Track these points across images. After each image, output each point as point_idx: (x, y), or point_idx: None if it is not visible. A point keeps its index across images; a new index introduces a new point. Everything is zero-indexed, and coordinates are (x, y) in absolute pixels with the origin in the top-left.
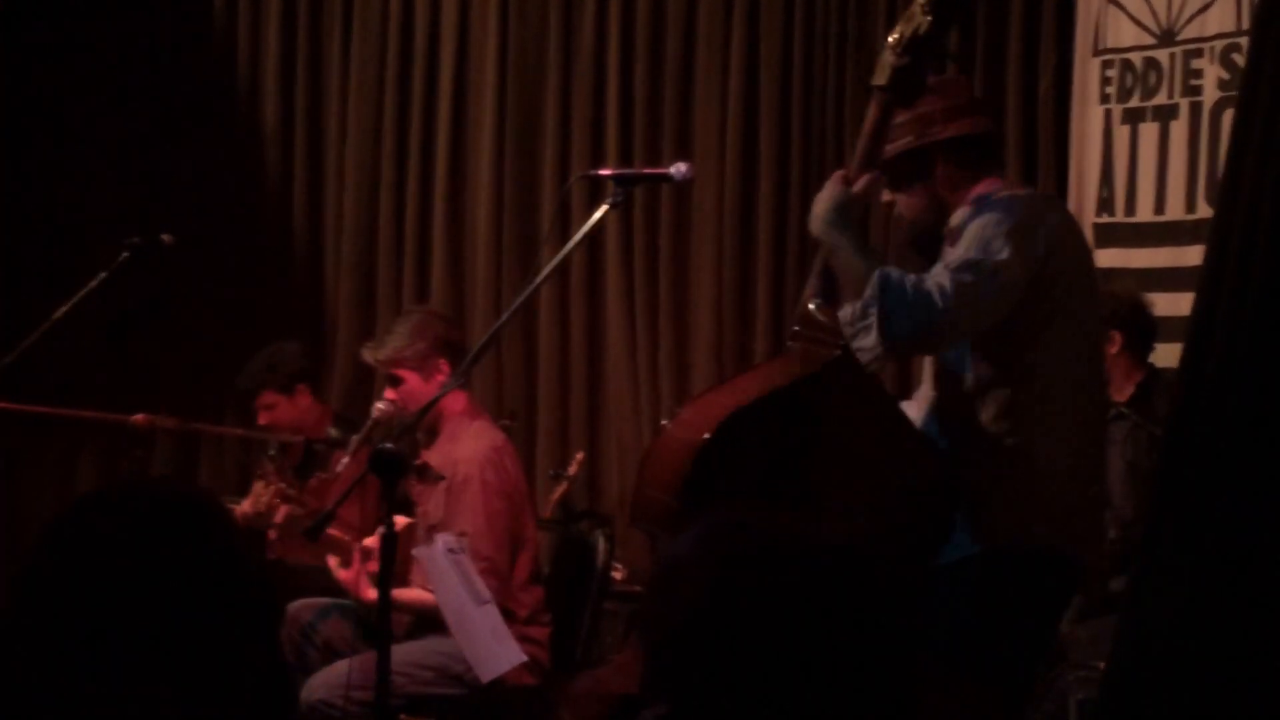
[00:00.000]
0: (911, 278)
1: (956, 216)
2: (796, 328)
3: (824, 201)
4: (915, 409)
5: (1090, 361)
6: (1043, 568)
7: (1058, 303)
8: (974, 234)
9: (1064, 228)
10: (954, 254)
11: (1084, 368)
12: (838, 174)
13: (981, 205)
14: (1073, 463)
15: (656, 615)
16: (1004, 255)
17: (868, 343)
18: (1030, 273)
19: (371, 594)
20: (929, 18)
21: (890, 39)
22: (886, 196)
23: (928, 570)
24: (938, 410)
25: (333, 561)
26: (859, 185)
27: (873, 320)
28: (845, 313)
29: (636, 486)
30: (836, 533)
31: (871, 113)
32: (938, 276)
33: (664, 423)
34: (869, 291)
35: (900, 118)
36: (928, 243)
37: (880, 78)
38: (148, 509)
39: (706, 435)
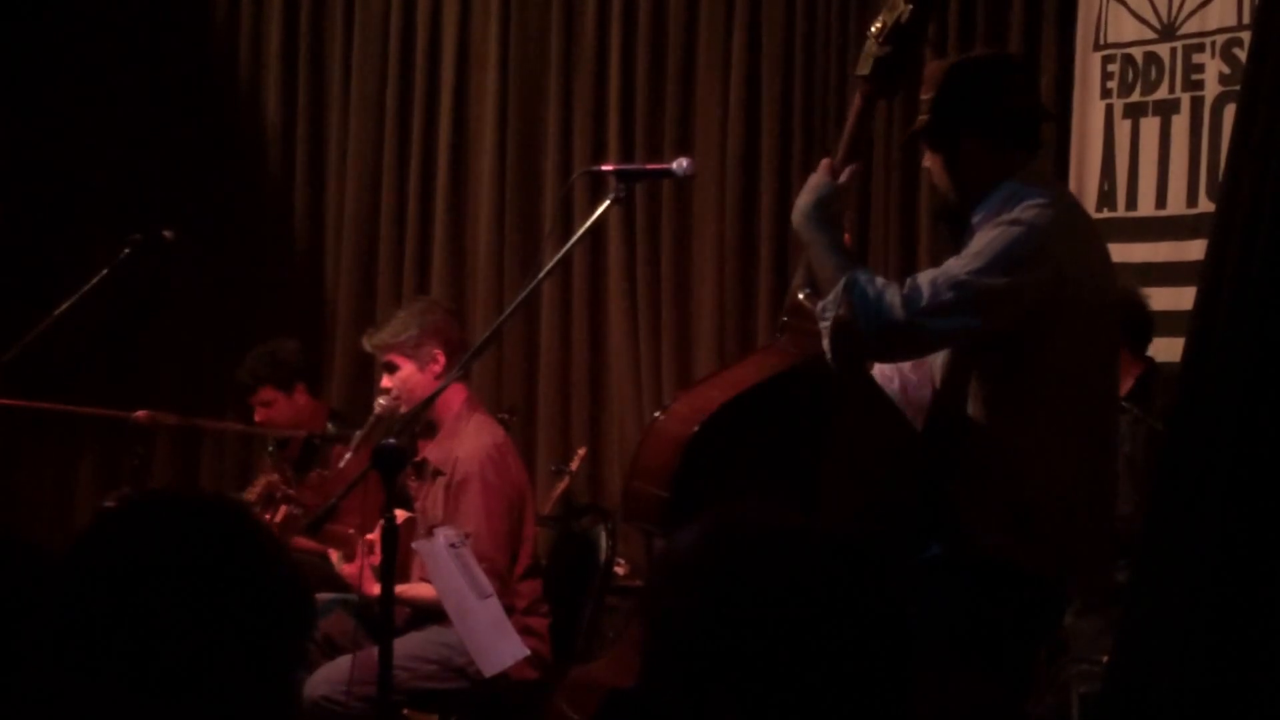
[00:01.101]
0: (879, 282)
1: (980, 209)
2: (785, 318)
3: (807, 193)
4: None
5: (1096, 382)
6: (1018, 588)
7: (1059, 330)
8: (978, 246)
9: (1081, 251)
10: (956, 259)
11: (1089, 390)
12: (825, 162)
13: (1004, 205)
14: (1064, 484)
15: (659, 610)
16: (996, 282)
17: (824, 344)
18: (1023, 303)
19: (375, 588)
20: (910, 6)
21: (873, 29)
22: (926, 161)
23: (912, 565)
24: (932, 417)
25: (335, 556)
26: (843, 177)
27: (828, 324)
28: (817, 307)
29: (627, 480)
30: (825, 522)
31: (855, 102)
32: (920, 282)
33: (656, 415)
34: (833, 295)
35: (929, 94)
36: (953, 219)
37: (863, 68)
38: (181, 520)
39: (695, 428)
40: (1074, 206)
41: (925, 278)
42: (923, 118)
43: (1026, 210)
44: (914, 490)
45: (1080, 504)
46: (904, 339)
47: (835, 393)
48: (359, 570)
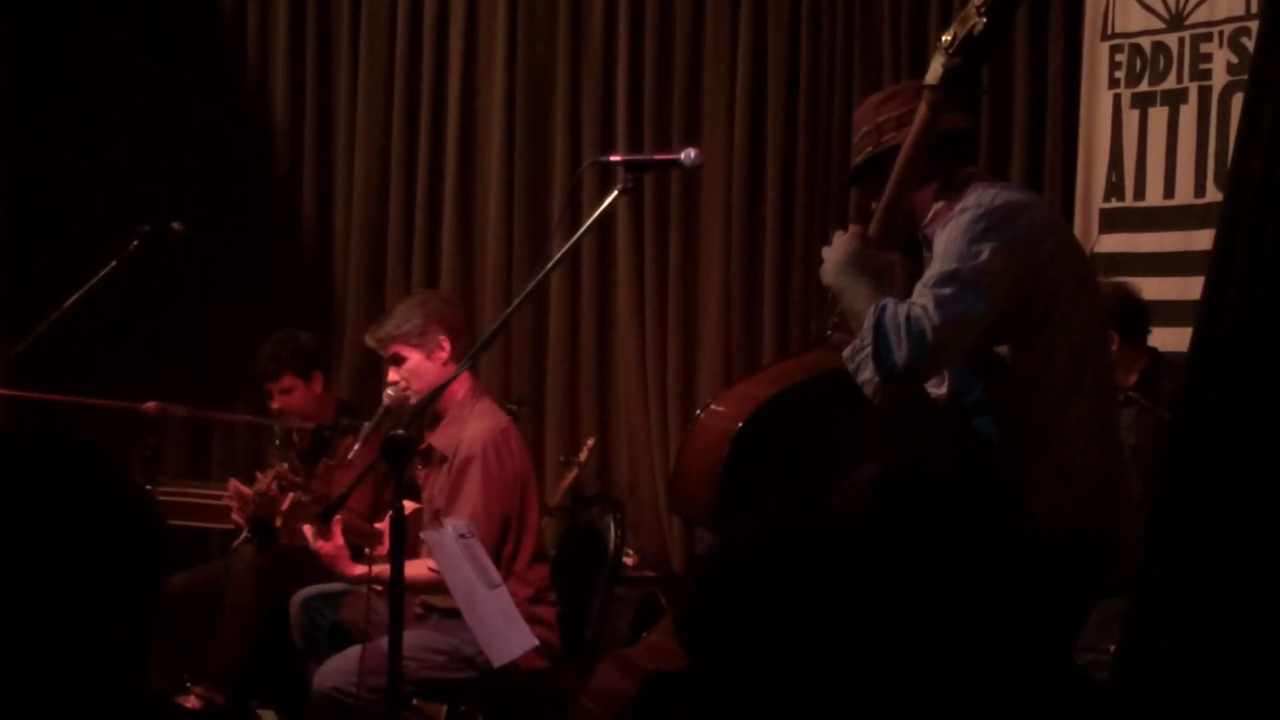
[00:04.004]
0: (904, 307)
1: (929, 217)
2: (835, 318)
3: (836, 253)
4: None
5: (1095, 346)
6: (1081, 548)
7: (1047, 294)
8: (946, 242)
9: (1035, 221)
10: (932, 268)
11: (1090, 354)
12: (855, 229)
13: (949, 209)
14: (1093, 439)
15: (699, 603)
16: (981, 258)
17: (865, 376)
18: (1007, 268)
19: (352, 569)
20: (984, 19)
21: (944, 39)
22: (873, 205)
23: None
24: (960, 415)
25: (308, 531)
26: (873, 235)
27: (868, 354)
28: (847, 350)
29: (674, 477)
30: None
31: (922, 112)
32: (920, 298)
33: (698, 413)
34: (865, 324)
35: (862, 129)
36: (911, 245)
37: (932, 78)
38: (21, 458)
39: (740, 424)
40: (1011, 189)
41: (920, 289)
42: (856, 160)
43: (968, 199)
44: (963, 484)
45: (1106, 458)
46: (939, 351)
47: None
48: (336, 549)
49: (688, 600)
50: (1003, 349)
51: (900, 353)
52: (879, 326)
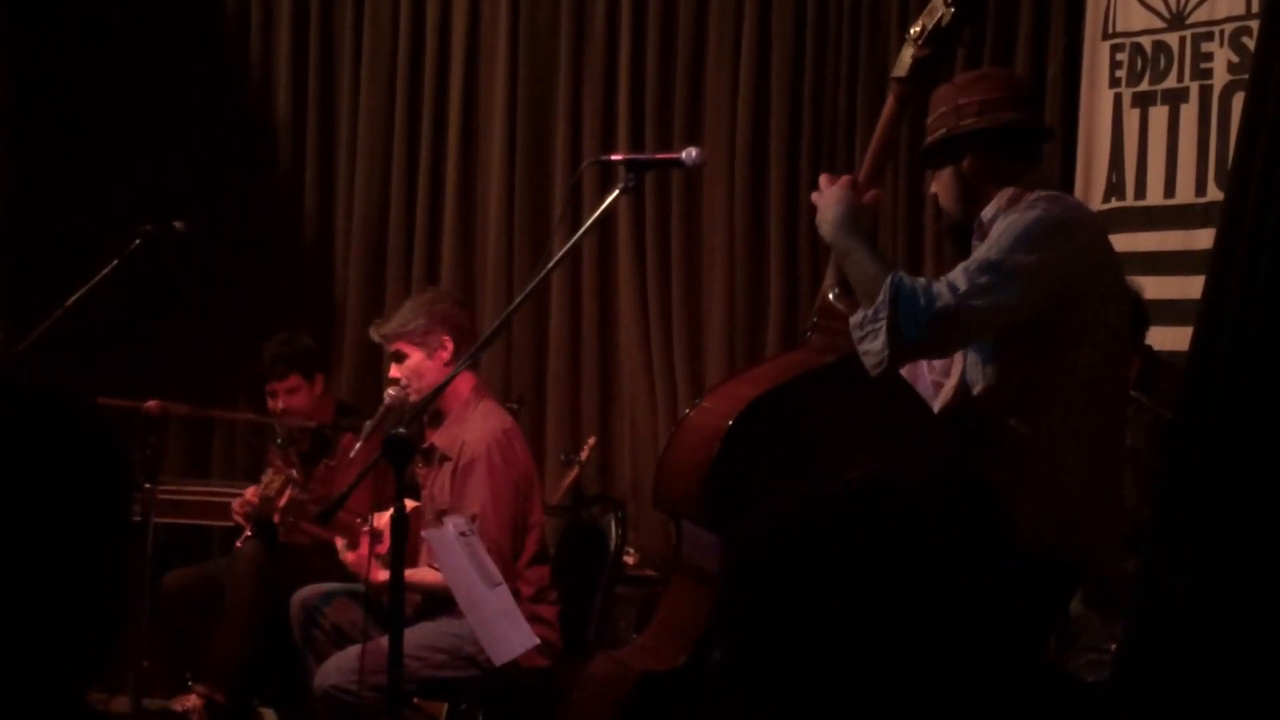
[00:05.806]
0: (922, 281)
1: (988, 210)
2: (815, 319)
3: (834, 206)
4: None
5: (1115, 378)
6: (1047, 573)
7: (1083, 320)
8: (999, 234)
9: (1093, 246)
10: (978, 252)
11: (1108, 384)
12: (846, 178)
13: (1014, 204)
14: (1091, 473)
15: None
16: (1024, 259)
17: (874, 346)
18: (1050, 281)
19: (380, 575)
20: (951, 9)
21: (911, 31)
22: (933, 187)
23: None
24: (960, 411)
25: (340, 543)
26: (868, 197)
27: (882, 325)
28: (856, 317)
29: (659, 473)
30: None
31: (889, 104)
32: (952, 277)
33: (687, 412)
34: (881, 296)
35: (940, 109)
36: (960, 233)
37: (900, 70)
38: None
39: (730, 422)
40: (1079, 207)
41: (958, 270)
42: (931, 138)
43: (1036, 203)
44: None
45: (1101, 490)
46: (952, 326)
47: (869, 391)
48: (362, 558)
49: (736, 602)
50: (1022, 360)
51: (916, 328)
52: (896, 300)
